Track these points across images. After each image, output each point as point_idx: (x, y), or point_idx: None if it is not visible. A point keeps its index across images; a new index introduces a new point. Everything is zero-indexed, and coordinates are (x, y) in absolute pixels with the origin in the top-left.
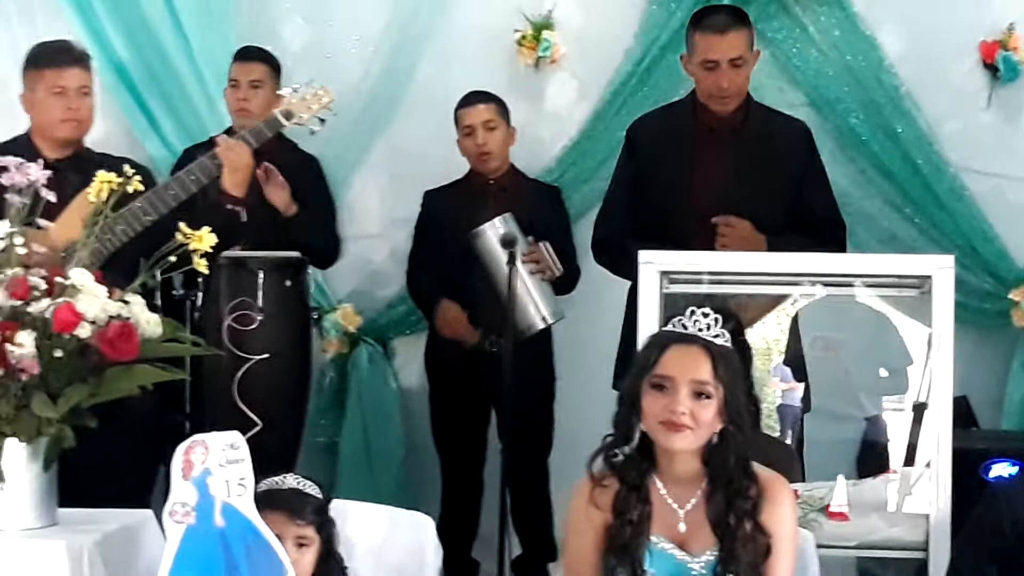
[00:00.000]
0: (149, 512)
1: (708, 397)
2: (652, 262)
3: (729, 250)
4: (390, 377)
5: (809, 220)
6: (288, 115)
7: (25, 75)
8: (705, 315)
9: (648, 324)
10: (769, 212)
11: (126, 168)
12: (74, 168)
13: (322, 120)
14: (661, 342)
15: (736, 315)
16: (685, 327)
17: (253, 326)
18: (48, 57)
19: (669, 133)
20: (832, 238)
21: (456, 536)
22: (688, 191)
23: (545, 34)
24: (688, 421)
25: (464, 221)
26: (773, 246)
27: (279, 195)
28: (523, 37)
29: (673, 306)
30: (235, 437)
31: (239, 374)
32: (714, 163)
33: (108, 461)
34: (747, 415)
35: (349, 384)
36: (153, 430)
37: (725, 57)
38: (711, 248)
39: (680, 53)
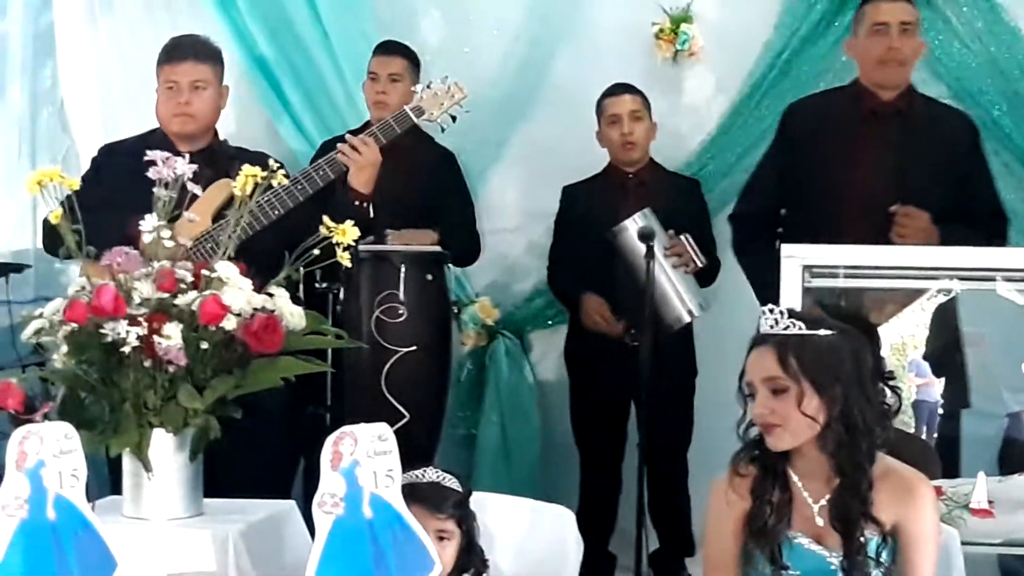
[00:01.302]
0: (292, 502)
1: (784, 391)
2: (794, 256)
3: (906, 241)
4: (527, 370)
5: (971, 212)
6: (419, 111)
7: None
8: (771, 311)
9: None
10: (933, 201)
11: (271, 162)
12: (206, 161)
13: (454, 117)
14: (746, 351)
15: (834, 305)
16: (760, 330)
17: (400, 319)
18: (166, 52)
19: (827, 116)
20: (995, 231)
21: (594, 530)
22: (848, 177)
23: (683, 27)
24: (774, 420)
25: (603, 215)
26: (944, 237)
27: (415, 241)
28: (661, 30)
29: (810, 302)
30: (383, 429)
31: (387, 367)
32: (875, 148)
33: (249, 453)
34: (856, 404)
35: (487, 377)
36: (293, 422)
37: (895, 19)
38: (873, 238)
39: (819, 44)
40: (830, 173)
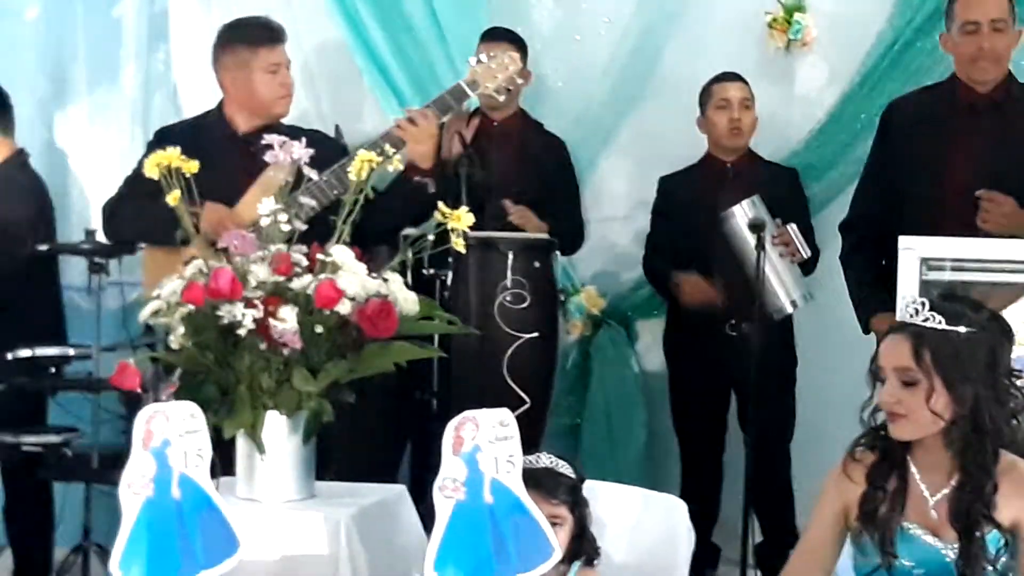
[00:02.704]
0: (403, 487)
1: (914, 384)
2: (912, 248)
3: (990, 227)
4: (632, 360)
5: None
6: (473, 84)
7: (229, 52)
8: (913, 301)
9: None
10: None
11: (387, 148)
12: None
13: (509, 89)
14: (884, 335)
15: (977, 302)
16: (898, 317)
17: (523, 305)
18: (259, 35)
19: (925, 112)
20: None
21: (696, 520)
22: (944, 170)
23: (797, 16)
24: (900, 409)
25: (701, 205)
26: None
27: (528, 225)
28: (774, 20)
29: (928, 294)
30: (504, 414)
31: (508, 353)
32: (972, 141)
33: (357, 436)
34: (986, 404)
35: (592, 367)
36: (400, 407)
37: (986, 17)
38: (965, 230)
39: (933, 35)
40: (929, 168)
